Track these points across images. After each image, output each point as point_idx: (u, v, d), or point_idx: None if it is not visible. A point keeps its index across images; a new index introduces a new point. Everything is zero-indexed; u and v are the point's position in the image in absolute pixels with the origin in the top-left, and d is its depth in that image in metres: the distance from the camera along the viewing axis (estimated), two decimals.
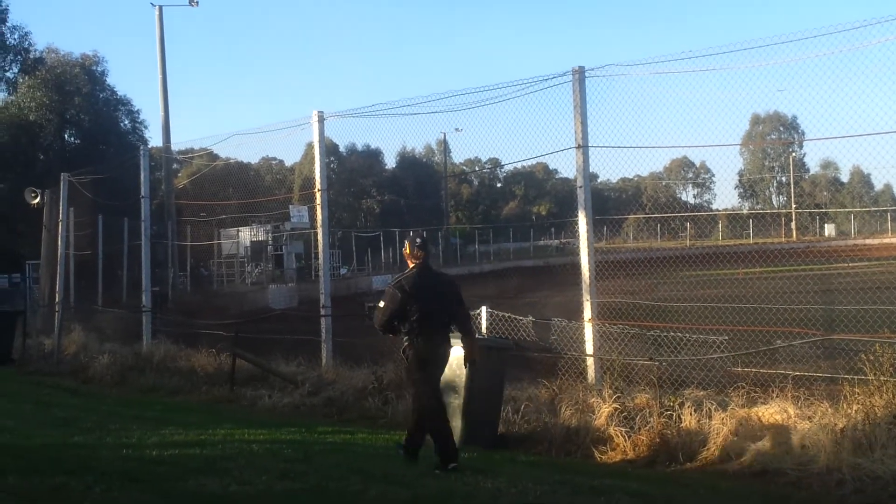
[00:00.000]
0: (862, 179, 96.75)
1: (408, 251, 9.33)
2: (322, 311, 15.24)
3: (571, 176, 12.51)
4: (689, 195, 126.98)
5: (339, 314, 16.25)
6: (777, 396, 9.93)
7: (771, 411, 9.65)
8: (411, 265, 9.25)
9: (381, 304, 9.06)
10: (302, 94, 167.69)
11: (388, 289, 9.18)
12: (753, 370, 10.99)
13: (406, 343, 9.01)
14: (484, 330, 13.53)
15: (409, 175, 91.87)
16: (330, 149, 66.10)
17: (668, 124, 13.84)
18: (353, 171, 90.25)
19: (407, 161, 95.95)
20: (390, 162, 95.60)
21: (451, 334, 9.43)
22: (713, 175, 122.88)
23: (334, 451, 9.97)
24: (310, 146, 16.03)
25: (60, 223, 22.12)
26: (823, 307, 16.08)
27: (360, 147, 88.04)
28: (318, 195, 15.41)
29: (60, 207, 22.02)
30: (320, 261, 15.98)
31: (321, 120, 15.35)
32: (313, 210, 16.07)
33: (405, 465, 9.19)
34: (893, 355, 9.61)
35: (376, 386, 12.98)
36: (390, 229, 59.42)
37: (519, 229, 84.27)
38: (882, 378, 9.43)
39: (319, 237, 15.63)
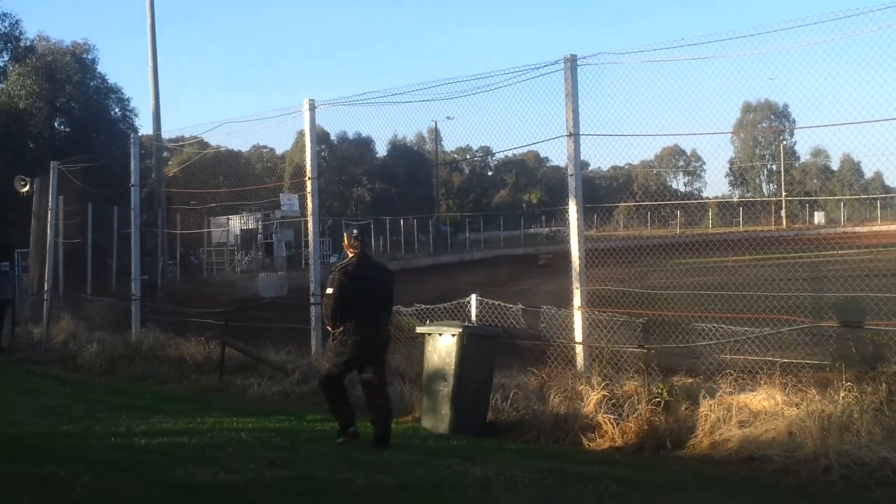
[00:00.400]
0: (852, 167, 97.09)
1: (346, 242, 10.08)
2: (312, 300, 15.22)
3: (562, 164, 12.54)
4: (679, 183, 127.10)
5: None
6: (765, 383, 9.96)
7: (759, 398, 9.68)
8: (350, 254, 9.93)
9: (329, 290, 9.62)
10: (294, 82, 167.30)
11: (333, 275, 9.72)
12: (742, 357, 11.03)
13: (340, 329, 9.58)
14: (473, 318, 13.53)
15: (400, 163, 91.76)
16: (321, 137, 66.04)
17: (660, 112, 13.86)
18: (344, 159, 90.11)
19: (398, 149, 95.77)
20: (381, 150, 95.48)
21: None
22: (704, 163, 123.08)
23: (323, 440, 10.00)
24: (301, 134, 16.05)
25: (50, 211, 22.04)
26: (812, 294, 16.11)
27: (351, 135, 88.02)
28: (308, 183, 15.37)
29: (50, 196, 21.93)
30: (310, 249, 15.95)
31: (312, 108, 15.30)
32: (304, 198, 16.03)
33: (393, 454, 9.23)
34: (881, 342, 9.67)
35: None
36: (381, 217, 59.47)
37: (510, 217, 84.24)
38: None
39: (310, 225, 15.60)
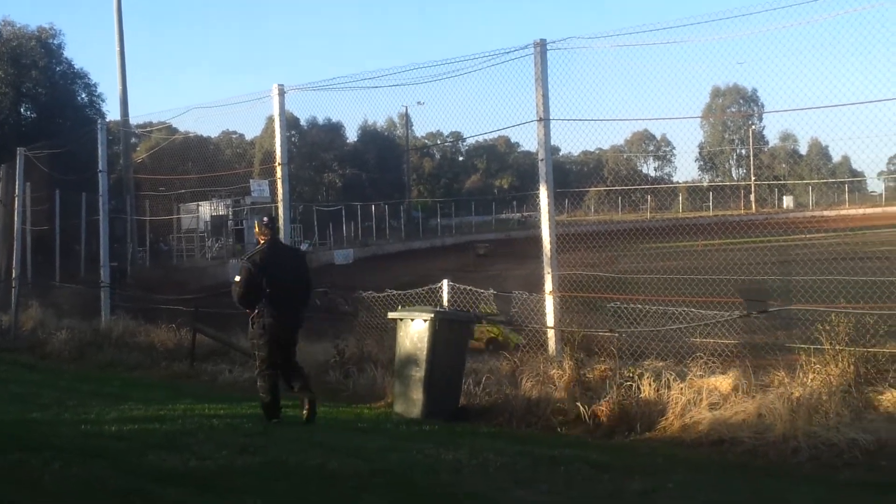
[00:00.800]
0: (820, 151, 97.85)
1: (257, 230, 10.48)
2: None
3: (533, 149, 12.57)
4: (649, 168, 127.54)
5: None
6: (735, 366, 10.05)
7: (728, 381, 9.76)
8: (262, 241, 10.26)
9: (237, 278, 9.99)
10: (264, 67, 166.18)
11: (241, 263, 10.21)
12: (712, 340, 11.11)
13: (256, 312, 9.92)
14: (445, 303, 13.56)
15: (370, 149, 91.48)
16: (291, 122, 65.66)
17: (630, 97, 13.90)
18: (314, 144, 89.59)
19: (368, 135, 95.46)
20: (352, 136, 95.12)
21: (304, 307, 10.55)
22: (674, 148, 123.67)
23: (294, 425, 9.99)
24: (270, 120, 15.93)
25: (17, 198, 21.80)
26: (781, 278, 16.23)
27: (321, 121, 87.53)
28: (278, 169, 15.32)
29: (17, 182, 21.70)
30: (281, 235, 15.89)
31: (282, 93, 15.24)
32: (274, 184, 15.97)
33: (366, 439, 9.25)
34: (849, 325, 9.76)
35: (338, 360, 12.97)
36: (352, 203, 59.25)
37: (481, 202, 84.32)
38: (838, 347, 9.58)
39: (280, 211, 15.56)
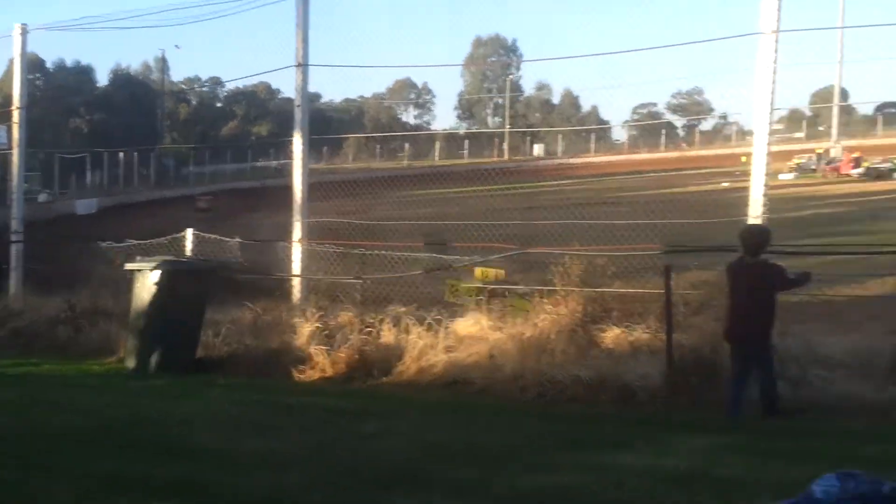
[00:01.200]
0: (572, 101, 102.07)
1: None
2: (13, 238, 14.33)
3: (294, 96, 12.45)
4: (410, 116, 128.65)
5: (35, 241, 15.46)
6: (473, 310, 10.31)
7: (467, 324, 10.00)
8: None
9: None
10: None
11: None
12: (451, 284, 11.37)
13: None
14: (188, 252, 13.21)
15: (122, 93, 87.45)
16: (35, 64, 61.89)
17: (395, 46, 14.01)
18: (60, 87, 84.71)
19: (121, 78, 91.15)
20: (103, 79, 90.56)
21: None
22: (434, 96, 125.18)
23: (16, 384, 9.52)
24: (12, 61, 15.09)
25: None
26: (524, 223, 16.81)
27: (70, 63, 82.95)
28: (15, 113, 14.59)
29: None
30: (14, 183, 15.04)
31: (24, 33, 14.60)
32: (10, 129, 15.11)
33: (94, 395, 8.91)
34: (580, 267, 10.20)
35: (70, 314, 12.35)
36: (98, 150, 56.47)
37: (238, 150, 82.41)
38: (568, 288, 10.00)
39: (15, 158, 14.73)
